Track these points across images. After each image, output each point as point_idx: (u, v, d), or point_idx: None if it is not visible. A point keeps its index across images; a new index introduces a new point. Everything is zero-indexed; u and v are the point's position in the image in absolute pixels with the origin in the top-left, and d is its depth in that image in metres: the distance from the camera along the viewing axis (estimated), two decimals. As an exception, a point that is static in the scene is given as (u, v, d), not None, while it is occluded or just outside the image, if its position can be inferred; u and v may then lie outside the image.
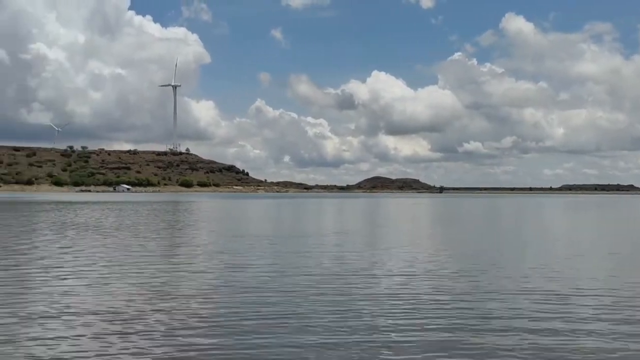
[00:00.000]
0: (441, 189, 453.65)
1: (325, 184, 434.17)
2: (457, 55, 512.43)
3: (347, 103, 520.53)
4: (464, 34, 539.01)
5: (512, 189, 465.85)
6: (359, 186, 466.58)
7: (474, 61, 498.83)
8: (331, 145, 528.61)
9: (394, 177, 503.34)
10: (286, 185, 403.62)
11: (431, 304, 14.58)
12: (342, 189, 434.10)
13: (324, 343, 10.97)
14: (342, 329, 11.93)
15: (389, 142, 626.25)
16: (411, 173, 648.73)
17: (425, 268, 21.06)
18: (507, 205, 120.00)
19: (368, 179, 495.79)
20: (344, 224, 49.89)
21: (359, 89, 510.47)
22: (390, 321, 12.70)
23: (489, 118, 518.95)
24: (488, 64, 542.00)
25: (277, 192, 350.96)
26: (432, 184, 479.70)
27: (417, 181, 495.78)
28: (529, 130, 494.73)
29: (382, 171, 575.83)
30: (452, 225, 49.34)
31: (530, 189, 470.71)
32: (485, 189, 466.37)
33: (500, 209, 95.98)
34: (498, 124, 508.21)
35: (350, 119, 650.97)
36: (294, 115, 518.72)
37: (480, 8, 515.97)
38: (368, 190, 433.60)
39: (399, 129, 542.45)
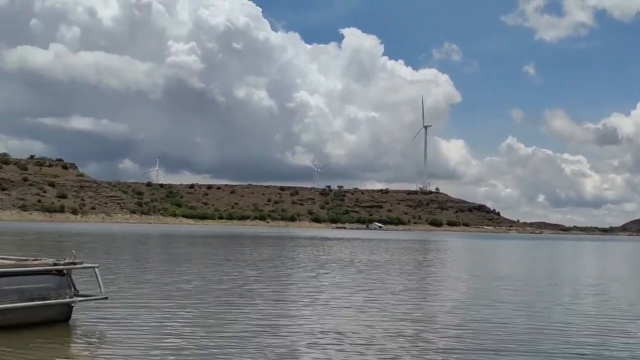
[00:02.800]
0: None
1: (584, 226, 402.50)
2: None
3: (609, 138, 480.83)
4: None
5: None
6: (624, 228, 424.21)
7: None
8: (591, 184, 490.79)
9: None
10: (540, 226, 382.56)
11: None
12: (604, 231, 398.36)
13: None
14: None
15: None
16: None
17: None
18: None
19: (634, 221, 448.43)
20: (612, 271, 45.45)
21: (622, 122, 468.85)
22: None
23: None
24: None
25: (531, 233, 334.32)
26: None
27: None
28: None
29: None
30: None
31: None
32: None
33: None
34: None
35: (612, 154, 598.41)
36: (549, 152, 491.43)
37: None
38: (635, 233, 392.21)
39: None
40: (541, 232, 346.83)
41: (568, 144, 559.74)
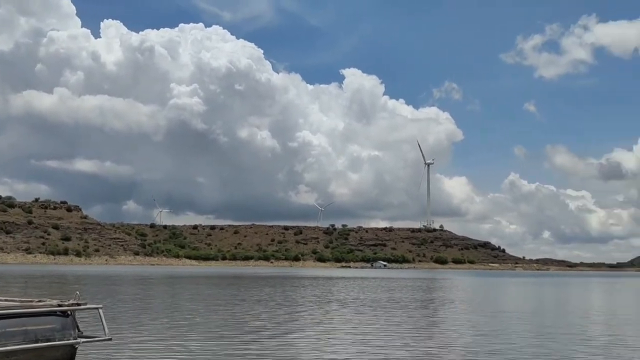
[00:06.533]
0: None
1: (591, 262, 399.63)
2: None
3: (613, 173, 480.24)
4: None
5: None
6: (632, 264, 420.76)
7: None
8: (596, 219, 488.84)
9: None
10: (546, 262, 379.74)
11: None
12: (611, 267, 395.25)
13: None
14: None
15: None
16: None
17: None
18: None
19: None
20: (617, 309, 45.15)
21: (625, 157, 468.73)
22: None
23: None
24: None
25: (537, 270, 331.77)
26: None
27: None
28: None
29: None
30: None
31: None
32: None
33: None
34: None
35: (617, 190, 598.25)
36: (552, 188, 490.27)
37: None
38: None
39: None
40: (547, 269, 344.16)
41: (571, 179, 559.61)
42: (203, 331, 23.40)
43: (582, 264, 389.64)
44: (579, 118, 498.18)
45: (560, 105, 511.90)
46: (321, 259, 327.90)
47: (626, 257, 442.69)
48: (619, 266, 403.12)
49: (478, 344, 21.44)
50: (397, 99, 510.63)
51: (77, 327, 15.22)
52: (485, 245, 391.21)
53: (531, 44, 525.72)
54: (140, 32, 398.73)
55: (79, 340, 15.09)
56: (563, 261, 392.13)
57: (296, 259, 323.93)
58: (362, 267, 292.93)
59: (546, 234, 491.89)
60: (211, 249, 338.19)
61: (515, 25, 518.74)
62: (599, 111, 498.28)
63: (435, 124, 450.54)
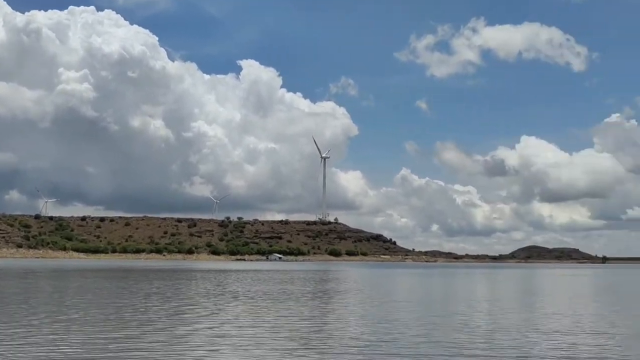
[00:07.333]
0: (604, 259, 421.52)
1: (475, 254, 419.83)
2: (614, 117, 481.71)
3: (497, 169, 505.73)
4: (621, 96, 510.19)
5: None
6: (513, 256, 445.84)
7: (634, 122, 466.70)
8: (481, 214, 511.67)
9: (550, 247, 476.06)
10: (435, 254, 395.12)
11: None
12: (494, 258, 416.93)
13: None
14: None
15: (544, 209, 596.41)
16: (569, 242, 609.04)
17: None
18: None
19: (522, 249, 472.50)
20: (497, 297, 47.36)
21: (508, 155, 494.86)
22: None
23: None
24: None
25: (426, 261, 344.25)
26: (593, 254, 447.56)
27: (576, 251, 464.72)
28: None
29: (538, 240, 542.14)
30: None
31: None
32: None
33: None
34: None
35: (500, 185, 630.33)
36: (441, 183, 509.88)
37: (637, 69, 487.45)
38: (522, 260, 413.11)
39: (555, 196, 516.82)
40: (435, 260, 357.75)
41: (459, 175, 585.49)
42: (82, 326, 22.30)
43: (467, 256, 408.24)
44: (467, 117, 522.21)
45: (450, 103, 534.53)
46: (216, 252, 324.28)
47: (507, 250, 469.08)
48: (500, 258, 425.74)
49: (365, 333, 21.71)
50: (294, 92, 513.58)
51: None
52: (378, 237, 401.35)
53: (424, 44, 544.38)
54: (26, 13, 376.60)
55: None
56: (450, 253, 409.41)
57: (190, 252, 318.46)
58: (257, 260, 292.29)
59: (435, 227, 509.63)
60: (100, 241, 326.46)
61: (409, 24, 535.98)
62: (486, 111, 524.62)
63: (331, 119, 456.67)
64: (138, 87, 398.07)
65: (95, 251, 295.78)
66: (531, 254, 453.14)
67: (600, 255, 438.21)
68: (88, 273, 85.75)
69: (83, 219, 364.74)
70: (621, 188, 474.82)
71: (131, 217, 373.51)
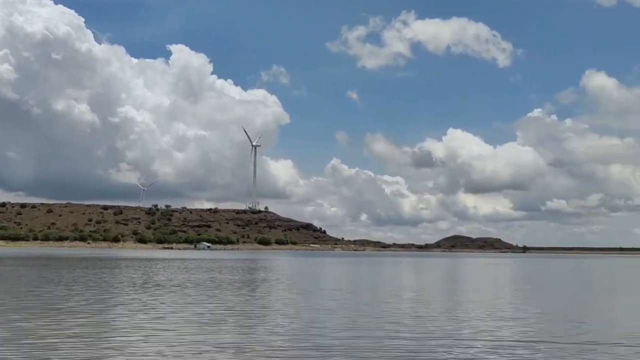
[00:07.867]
0: (524, 249, 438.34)
1: (403, 243, 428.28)
2: (536, 111, 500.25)
3: (424, 161, 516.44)
4: (543, 92, 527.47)
5: (601, 249, 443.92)
6: (438, 245, 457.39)
7: (554, 117, 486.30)
8: (408, 204, 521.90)
9: (474, 236, 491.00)
10: (363, 243, 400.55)
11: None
12: (420, 247, 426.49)
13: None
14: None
15: (468, 200, 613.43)
16: (492, 232, 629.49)
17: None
18: (601, 266, 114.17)
19: (447, 238, 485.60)
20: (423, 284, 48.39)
21: (435, 147, 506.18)
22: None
23: (573, 175, 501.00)
24: (569, 120, 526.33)
25: (355, 250, 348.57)
26: (514, 244, 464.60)
27: (498, 240, 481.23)
28: (616, 188, 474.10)
29: (462, 230, 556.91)
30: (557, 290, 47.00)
31: (621, 249, 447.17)
32: (572, 249, 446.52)
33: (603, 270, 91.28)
34: (583, 182, 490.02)
35: (427, 177, 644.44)
36: (370, 173, 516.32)
37: (559, 67, 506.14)
38: (447, 250, 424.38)
39: (479, 187, 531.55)
40: (364, 249, 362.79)
41: (388, 166, 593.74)
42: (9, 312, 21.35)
43: (394, 245, 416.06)
44: (397, 108, 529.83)
45: (380, 95, 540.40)
46: (142, 240, 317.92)
47: (433, 239, 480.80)
48: (426, 247, 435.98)
49: (291, 322, 21.72)
50: (225, 79, 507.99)
51: None
52: (308, 226, 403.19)
53: (355, 35, 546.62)
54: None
55: None
56: (378, 242, 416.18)
57: (116, 240, 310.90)
58: (185, 249, 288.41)
59: (364, 217, 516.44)
60: (21, 228, 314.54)
61: (341, 15, 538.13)
62: (414, 103, 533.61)
63: (263, 107, 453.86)
64: (62, 70, 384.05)
65: (16, 238, 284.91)
66: (455, 244, 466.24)
67: (520, 245, 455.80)
68: (7, 261, 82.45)
69: (3, 205, 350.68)
70: (541, 180, 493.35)
71: (54, 204, 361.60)
